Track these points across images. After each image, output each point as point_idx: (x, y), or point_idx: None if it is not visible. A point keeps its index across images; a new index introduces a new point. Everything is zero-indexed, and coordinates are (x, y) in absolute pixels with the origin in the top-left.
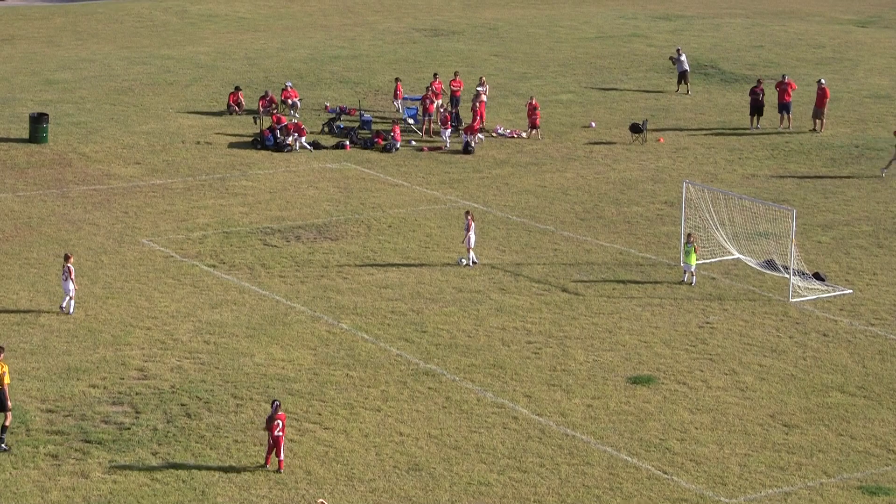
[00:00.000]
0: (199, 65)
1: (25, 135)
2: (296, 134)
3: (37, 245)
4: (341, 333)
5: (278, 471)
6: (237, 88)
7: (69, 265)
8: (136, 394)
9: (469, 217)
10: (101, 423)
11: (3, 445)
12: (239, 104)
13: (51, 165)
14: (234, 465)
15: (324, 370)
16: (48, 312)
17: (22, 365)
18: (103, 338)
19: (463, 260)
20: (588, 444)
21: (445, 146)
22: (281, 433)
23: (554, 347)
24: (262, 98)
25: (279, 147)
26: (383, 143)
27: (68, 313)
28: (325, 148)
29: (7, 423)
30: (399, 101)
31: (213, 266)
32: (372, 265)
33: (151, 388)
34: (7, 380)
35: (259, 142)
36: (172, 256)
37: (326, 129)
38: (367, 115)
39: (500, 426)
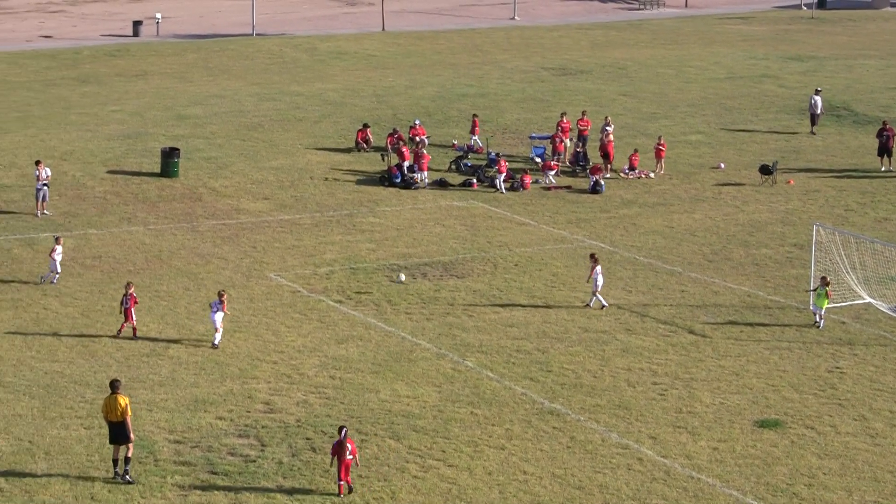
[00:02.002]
0: (327, 101)
1: (157, 169)
2: (416, 166)
3: (167, 278)
4: (466, 371)
5: (338, 494)
6: (365, 125)
7: (221, 300)
8: (262, 427)
9: (594, 260)
10: (228, 455)
11: (127, 477)
12: (367, 141)
13: (181, 199)
14: (356, 499)
15: (448, 407)
16: (177, 344)
17: (151, 396)
18: (230, 371)
19: (593, 302)
20: (713, 488)
21: (545, 182)
22: (351, 457)
23: (680, 389)
24: (390, 135)
25: (407, 184)
26: (510, 181)
27: (213, 346)
28: (453, 186)
29: (129, 455)
30: (476, 136)
31: (340, 302)
32: (498, 303)
33: (277, 421)
34: (129, 412)
35: (387, 179)
36: (299, 291)
37: (454, 167)
38: (494, 154)
39: (625, 467)
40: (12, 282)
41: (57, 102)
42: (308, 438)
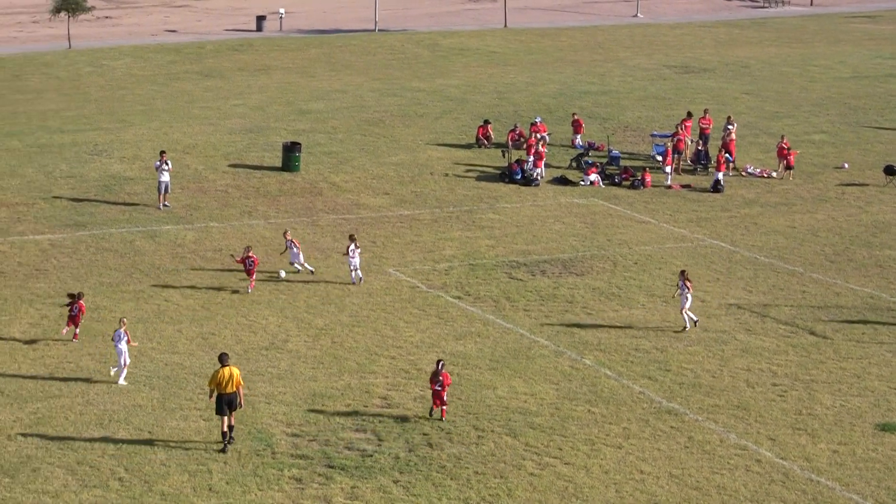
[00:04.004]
0: (449, 98)
1: (278, 163)
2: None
3: (287, 272)
4: (584, 369)
5: (441, 419)
6: (486, 122)
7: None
8: (380, 421)
9: (683, 278)
10: (345, 450)
11: (231, 443)
12: (488, 137)
13: (302, 194)
14: (473, 496)
15: (566, 405)
16: (296, 338)
17: (269, 389)
18: (348, 365)
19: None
20: (833, 491)
21: (667, 181)
22: (441, 388)
23: (800, 391)
24: (511, 131)
25: (527, 181)
26: (630, 179)
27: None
28: (573, 183)
29: (233, 422)
30: (579, 135)
31: (459, 298)
32: (617, 301)
33: (394, 416)
34: (241, 382)
35: (507, 175)
36: (418, 287)
37: (574, 164)
38: (615, 152)
39: (743, 468)
40: (134, 273)
41: (180, 96)
42: (425, 434)
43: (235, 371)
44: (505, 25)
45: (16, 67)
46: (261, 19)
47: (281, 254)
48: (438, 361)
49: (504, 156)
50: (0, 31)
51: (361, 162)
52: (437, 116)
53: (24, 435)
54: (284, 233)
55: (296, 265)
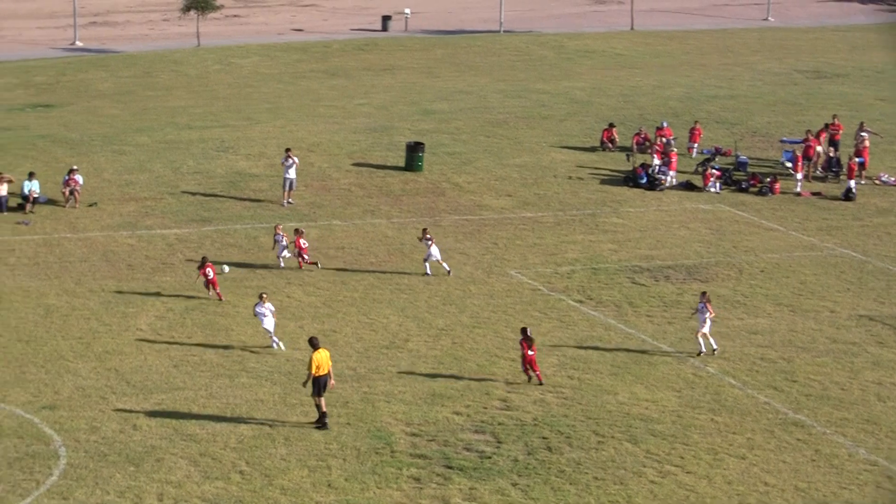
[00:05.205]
0: (573, 100)
1: (401, 163)
2: (663, 166)
3: (408, 272)
4: (707, 377)
5: (539, 383)
6: (611, 125)
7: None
8: (499, 423)
9: (705, 298)
10: (464, 450)
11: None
12: (612, 140)
13: (424, 194)
14: (592, 501)
15: (688, 413)
16: (417, 337)
17: (389, 388)
18: (468, 366)
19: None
20: None
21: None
22: (532, 353)
23: None
24: (636, 135)
25: (652, 185)
26: (758, 186)
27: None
28: (699, 188)
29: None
30: (696, 144)
31: (580, 301)
32: (742, 310)
33: (514, 419)
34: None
35: (631, 179)
36: (540, 290)
37: (700, 169)
38: (743, 157)
39: (873, 485)
40: (258, 269)
41: (306, 95)
42: (544, 437)
43: (327, 353)
44: (631, 28)
45: (147, 64)
46: (386, 19)
47: (272, 249)
48: (524, 329)
49: (629, 159)
50: (132, 29)
51: (485, 163)
52: (562, 119)
53: (149, 421)
54: (276, 227)
55: (280, 260)
